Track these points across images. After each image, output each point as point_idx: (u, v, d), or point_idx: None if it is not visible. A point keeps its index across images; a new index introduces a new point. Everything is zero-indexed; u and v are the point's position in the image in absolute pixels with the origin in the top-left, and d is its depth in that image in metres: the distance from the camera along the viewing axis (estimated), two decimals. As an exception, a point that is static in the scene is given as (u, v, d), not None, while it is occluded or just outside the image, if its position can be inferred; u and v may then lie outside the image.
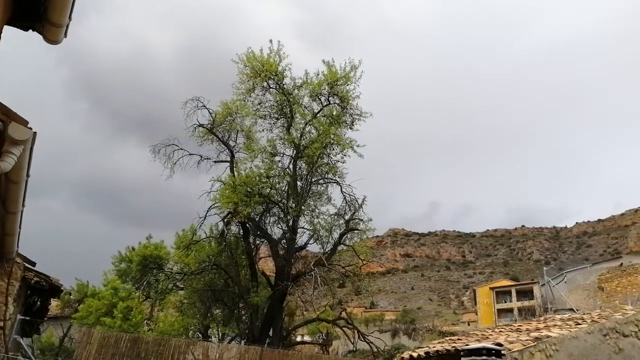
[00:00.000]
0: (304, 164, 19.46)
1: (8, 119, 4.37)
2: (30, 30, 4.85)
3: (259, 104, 19.89)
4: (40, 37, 4.94)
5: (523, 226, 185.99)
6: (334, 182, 19.43)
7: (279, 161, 19.70)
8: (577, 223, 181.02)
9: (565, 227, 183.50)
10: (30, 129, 4.53)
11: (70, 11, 4.54)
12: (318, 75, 19.42)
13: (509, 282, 74.06)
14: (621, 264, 35.07)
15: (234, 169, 19.56)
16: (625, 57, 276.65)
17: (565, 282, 37.75)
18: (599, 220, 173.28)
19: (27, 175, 5.28)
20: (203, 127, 19.56)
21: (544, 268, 47.42)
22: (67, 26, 4.67)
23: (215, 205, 18.56)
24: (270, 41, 18.97)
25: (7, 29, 4.79)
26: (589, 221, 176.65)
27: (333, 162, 19.25)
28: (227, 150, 20.06)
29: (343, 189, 19.19)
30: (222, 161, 20.21)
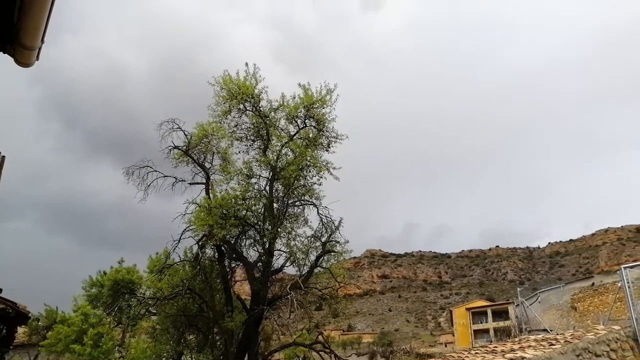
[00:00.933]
0: (280, 186, 19.40)
1: (-25, 143, 4.27)
2: (1, 53, 4.78)
3: (235, 126, 19.83)
4: (12, 59, 4.88)
5: (497, 247, 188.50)
6: (311, 204, 19.38)
7: (255, 183, 19.58)
8: (549, 243, 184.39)
9: (538, 248, 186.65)
10: (-1, 152, 4.43)
11: (43, 34, 4.50)
12: (294, 98, 19.51)
13: (485, 303, 74.59)
14: (593, 284, 35.79)
15: (210, 191, 19.37)
16: (593, 85, 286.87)
17: (539, 302, 38.26)
18: (571, 240, 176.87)
19: (-5, 200, 5.14)
20: (178, 149, 19.39)
21: (518, 289, 47.97)
22: (40, 49, 4.62)
23: (190, 227, 18.27)
24: (246, 64, 19.04)
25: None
26: (560, 241, 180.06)
27: (309, 185, 19.22)
28: (202, 172, 19.89)
29: (319, 211, 19.16)
30: (197, 183, 20.01)
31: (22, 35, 4.35)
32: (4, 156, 4.33)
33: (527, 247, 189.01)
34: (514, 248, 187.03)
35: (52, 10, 4.20)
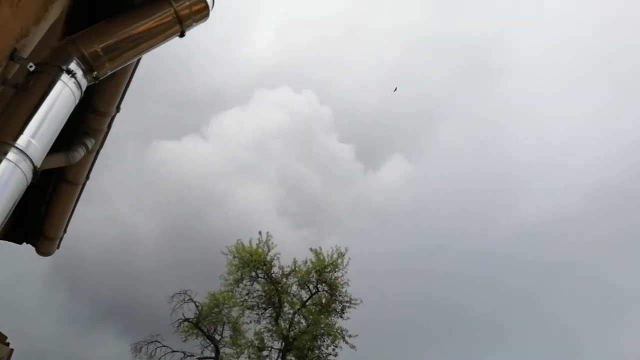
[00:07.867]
0: (294, 358, 18.47)
1: (-14, 336, 4.21)
2: (24, 243, 4.98)
3: (247, 294, 19.72)
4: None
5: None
6: (328, 379, 18.18)
7: (267, 356, 18.70)
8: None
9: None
10: (8, 344, 4.34)
11: (66, 225, 4.74)
12: (306, 262, 19.67)
13: None
14: None
15: (219, 366, 18.41)
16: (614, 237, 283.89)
17: None
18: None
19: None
20: (188, 321, 19.01)
21: None
22: (61, 238, 4.82)
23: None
24: (260, 232, 19.67)
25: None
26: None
27: (324, 355, 18.28)
28: (212, 345, 19.15)
29: (338, 387, 17.89)
30: (206, 358, 19.13)
31: (46, 227, 4.57)
32: (12, 349, 4.25)
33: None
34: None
35: (78, 204, 4.49)
